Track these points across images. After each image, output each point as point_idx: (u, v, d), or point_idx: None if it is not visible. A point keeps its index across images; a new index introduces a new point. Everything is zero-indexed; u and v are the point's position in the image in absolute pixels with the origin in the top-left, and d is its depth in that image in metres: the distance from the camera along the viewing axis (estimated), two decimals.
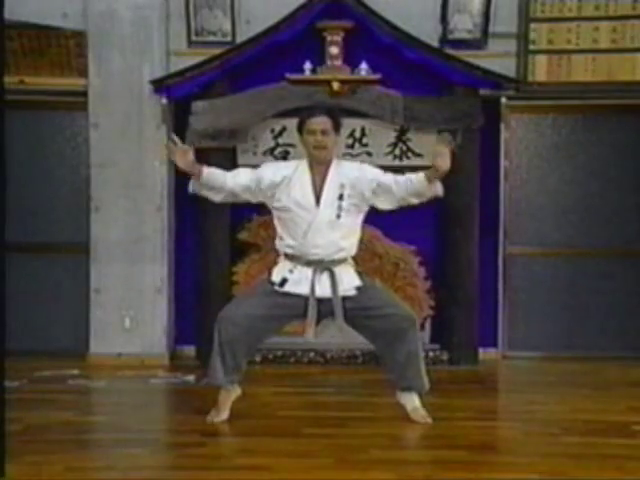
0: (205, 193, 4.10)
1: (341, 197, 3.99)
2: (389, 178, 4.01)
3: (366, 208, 4.10)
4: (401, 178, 3.99)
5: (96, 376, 5.28)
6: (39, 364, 5.44)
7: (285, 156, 5.78)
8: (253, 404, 4.23)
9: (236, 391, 4.17)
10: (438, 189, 3.97)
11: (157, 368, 5.50)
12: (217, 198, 4.13)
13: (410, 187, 3.95)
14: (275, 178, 4.03)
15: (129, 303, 5.72)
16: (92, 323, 5.74)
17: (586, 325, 6.07)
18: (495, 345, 5.99)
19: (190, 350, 5.87)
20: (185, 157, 3.95)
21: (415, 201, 4.04)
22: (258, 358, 5.54)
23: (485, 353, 5.87)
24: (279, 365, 5.60)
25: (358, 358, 5.62)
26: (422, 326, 5.71)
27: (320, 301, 4.00)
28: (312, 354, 5.66)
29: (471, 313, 5.74)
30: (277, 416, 4.24)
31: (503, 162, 5.95)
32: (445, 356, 5.73)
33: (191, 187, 4.09)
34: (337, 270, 4.01)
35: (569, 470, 3.37)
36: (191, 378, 5.22)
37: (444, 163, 3.83)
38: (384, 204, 4.07)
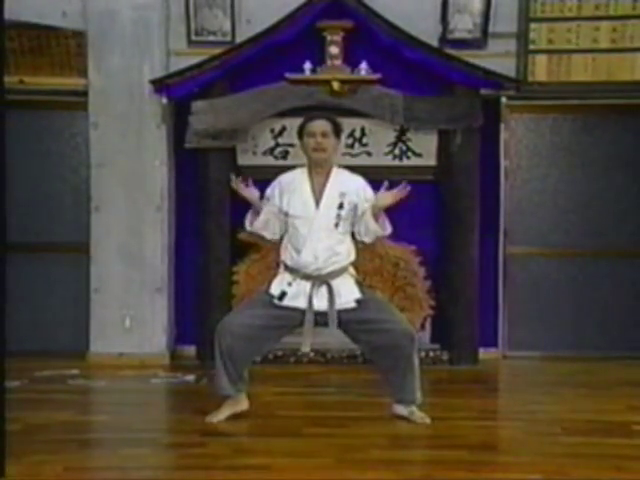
0: (260, 231, 4.09)
1: (341, 206, 4.01)
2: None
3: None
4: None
5: (96, 376, 5.28)
6: (39, 364, 5.43)
7: (285, 156, 5.79)
8: (253, 404, 4.22)
9: (243, 403, 4.17)
10: (387, 228, 4.01)
11: (157, 368, 5.49)
12: (269, 236, 4.12)
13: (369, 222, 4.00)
14: (277, 191, 4.07)
15: (129, 303, 5.72)
16: (92, 323, 5.74)
17: (586, 325, 6.06)
18: (495, 345, 5.99)
19: (190, 350, 5.87)
20: (250, 192, 4.01)
21: (366, 239, 4.09)
22: (258, 358, 5.53)
23: (485, 353, 5.86)
24: (279, 365, 5.60)
25: (358, 358, 5.61)
26: (422, 326, 5.72)
27: (318, 313, 4.01)
28: (312, 354, 5.64)
29: (471, 313, 5.74)
30: (277, 416, 4.24)
31: (503, 162, 5.94)
32: (445, 356, 5.73)
33: (248, 224, 4.09)
34: (335, 283, 4.02)
35: (569, 470, 3.37)
36: (191, 378, 5.22)
37: (384, 201, 3.91)
38: (359, 229, 4.07)
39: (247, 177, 4.14)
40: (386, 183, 3.97)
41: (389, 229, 4.05)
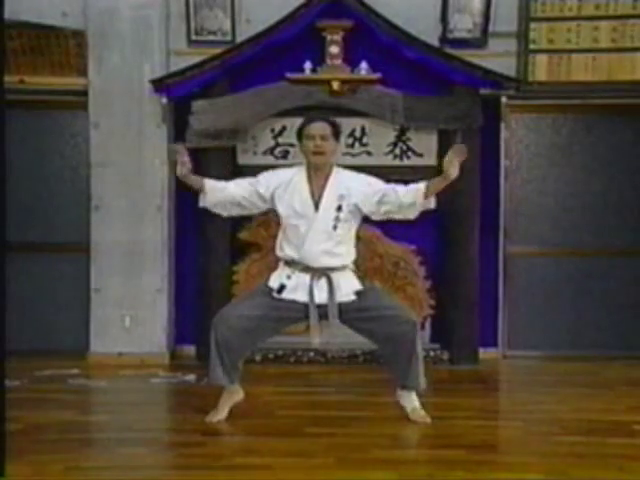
0: (214, 207, 4.09)
1: (339, 208, 3.99)
2: (391, 190, 3.99)
3: (360, 219, 4.11)
4: (400, 191, 3.97)
5: (96, 375, 5.28)
6: (39, 363, 5.43)
7: (285, 155, 5.79)
8: (253, 404, 4.23)
9: (238, 393, 4.17)
10: (431, 202, 3.97)
11: (157, 368, 5.50)
12: (225, 212, 4.14)
13: (408, 200, 3.93)
14: (272, 183, 4.05)
15: (129, 303, 5.72)
16: (92, 323, 5.74)
17: (586, 325, 6.06)
18: (495, 345, 5.99)
19: (190, 350, 5.87)
20: (182, 167, 3.94)
21: (410, 216, 4.04)
22: (258, 358, 5.54)
23: (485, 353, 5.86)
24: (279, 365, 5.60)
25: (358, 357, 5.62)
26: (422, 326, 5.71)
27: (318, 306, 3.99)
28: (312, 353, 5.66)
29: (471, 313, 5.74)
30: (277, 415, 4.24)
31: (503, 162, 5.95)
32: (445, 356, 5.73)
33: (201, 201, 4.08)
34: (335, 276, 4.01)
35: (569, 469, 3.37)
36: (191, 378, 5.22)
37: (454, 172, 3.84)
38: (378, 215, 4.06)
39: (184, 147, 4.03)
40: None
41: (434, 202, 4.00)
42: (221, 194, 4.05)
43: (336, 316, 3.98)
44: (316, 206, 4.00)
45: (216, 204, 4.08)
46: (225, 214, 4.19)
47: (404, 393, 4.16)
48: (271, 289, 4.04)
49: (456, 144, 3.94)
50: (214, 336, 4.03)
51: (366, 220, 4.20)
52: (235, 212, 4.19)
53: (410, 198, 3.93)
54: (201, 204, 4.11)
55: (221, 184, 4.09)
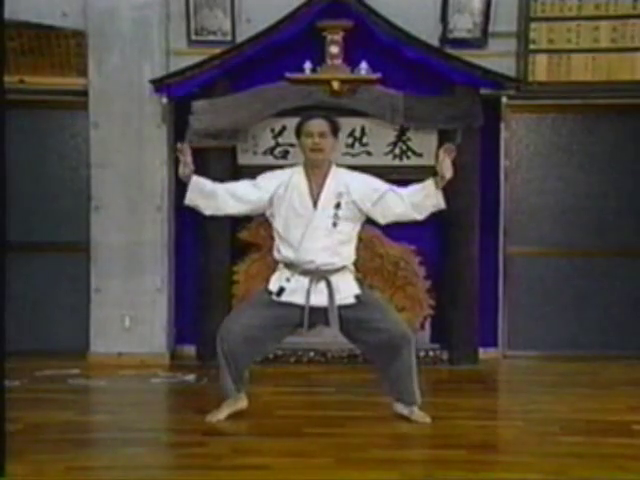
0: (198, 202, 4.06)
1: (338, 205, 3.99)
2: (392, 191, 3.99)
3: (363, 219, 4.11)
4: (404, 191, 3.98)
5: (96, 375, 5.28)
6: (39, 363, 5.44)
7: (285, 155, 5.79)
8: (253, 404, 4.22)
9: (243, 401, 4.18)
10: (441, 201, 3.96)
11: (157, 367, 5.50)
12: (208, 210, 4.09)
13: (414, 199, 3.94)
14: (271, 186, 4.04)
15: (129, 303, 5.72)
16: (92, 323, 5.74)
17: (586, 325, 6.06)
18: (495, 345, 5.99)
19: (190, 350, 5.87)
20: (184, 168, 3.97)
21: (417, 216, 4.02)
22: (258, 358, 5.53)
23: (485, 353, 5.87)
24: (279, 365, 5.60)
25: (358, 357, 5.61)
26: (422, 326, 5.73)
27: (317, 309, 3.99)
28: (312, 354, 5.66)
29: (471, 313, 5.74)
30: (277, 416, 4.24)
31: (503, 162, 5.95)
32: (445, 356, 5.73)
33: (187, 199, 4.06)
34: (334, 279, 4.00)
35: (569, 469, 3.37)
36: (191, 378, 5.22)
37: (447, 171, 3.85)
38: (383, 218, 4.06)
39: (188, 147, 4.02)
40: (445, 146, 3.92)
41: (444, 203, 4.00)
42: (207, 189, 4.02)
43: (336, 320, 3.98)
44: (315, 204, 4.00)
45: (201, 200, 4.05)
46: (207, 212, 4.12)
47: (399, 405, 4.16)
48: (271, 293, 4.04)
49: (445, 144, 3.95)
50: (220, 349, 4.03)
51: (366, 220, 4.19)
52: (217, 212, 4.14)
53: (420, 195, 3.94)
54: (187, 201, 4.07)
55: (209, 181, 4.06)
